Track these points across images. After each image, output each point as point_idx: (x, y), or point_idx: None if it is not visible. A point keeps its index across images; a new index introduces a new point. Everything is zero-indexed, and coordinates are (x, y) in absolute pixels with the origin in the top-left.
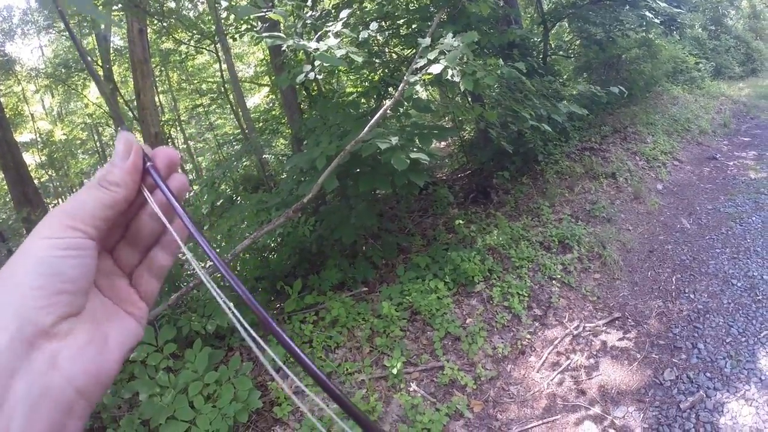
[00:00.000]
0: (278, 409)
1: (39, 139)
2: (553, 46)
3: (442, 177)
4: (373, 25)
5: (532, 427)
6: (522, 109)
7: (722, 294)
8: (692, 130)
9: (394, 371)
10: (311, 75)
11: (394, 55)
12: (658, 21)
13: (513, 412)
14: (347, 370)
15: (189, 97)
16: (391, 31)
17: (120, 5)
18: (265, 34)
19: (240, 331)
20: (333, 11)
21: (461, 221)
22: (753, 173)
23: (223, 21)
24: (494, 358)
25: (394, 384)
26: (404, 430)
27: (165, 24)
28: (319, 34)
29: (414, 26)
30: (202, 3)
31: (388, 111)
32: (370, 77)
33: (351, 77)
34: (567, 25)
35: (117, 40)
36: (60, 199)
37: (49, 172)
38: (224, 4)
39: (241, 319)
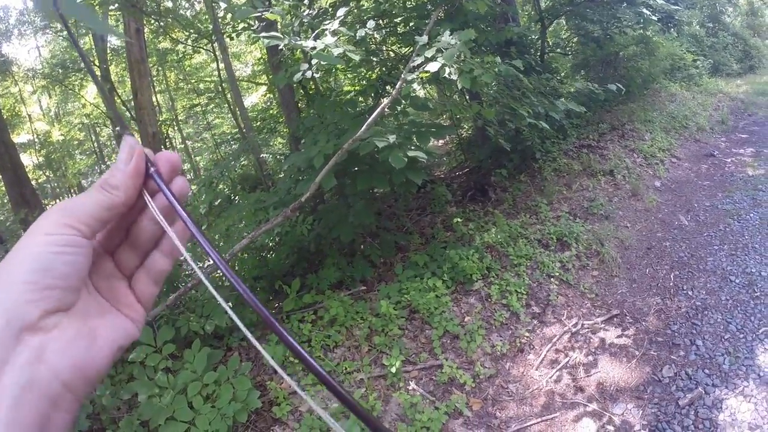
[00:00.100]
0: (277, 408)
1: (36, 140)
2: (550, 43)
3: (440, 175)
4: (371, 23)
5: (531, 424)
6: (520, 106)
7: (720, 291)
8: (690, 128)
9: (393, 370)
10: (308, 73)
11: (391, 53)
12: (655, 18)
13: (512, 410)
14: (346, 369)
15: (186, 96)
16: (388, 29)
17: (117, 5)
18: (262, 34)
19: (244, 331)
20: (330, 9)
21: (459, 219)
22: (751, 170)
23: (220, 20)
24: (493, 356)
25: (393, 383)
26: (403, 429)
27: (162, 23)
28: (316, 32)
29: (411, 24)
30: (199, 2)
31: (386, 109)
32: (367, 75)
33: (348, 76)
34: (564, 22)
35: (114, 39)
36: (58, 200)
37: (47, 173)
38: (223, 5)
39: (237, 320)
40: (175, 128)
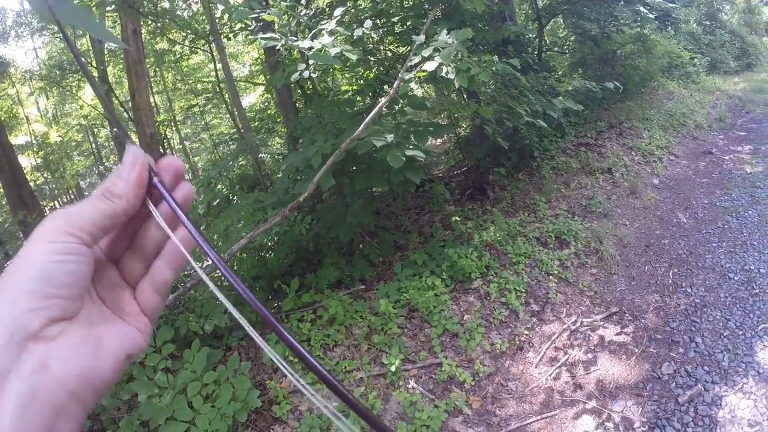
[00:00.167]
0: (277, 407)
1: (34, 142)
2: (548, 42)
3: (438, 174)
4: (368, 23)
5: (531, 422)
6: (517, 105)
7: (719, 288)
8: (688, 125)
9: (393, 368)
10: (306, 73)
11: (388, 52)
12: (652, 16)
13: (511, 408)
14: (345, 368)
15: (184, 97)
16: (385, 29)
17: (113, 6)
18: (259, 35)
19: (247, 329)
20: (327, 9)
21: (458, 218)
22: (749, 167)
23: (217, 20)
24: (492, 354)
25: (393, 381)
26: (403, 427)
27: (159, 24)
28: (313, 32)
29: (408, 24)
30: (196, 3)
31: (384, 108)
32: (365, 75)
33: (346, 75)
34: (562, 21)
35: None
36: (56, 202)
37: (45, 175)
38: (220, 6)
39: (239, 316)
40: (173, 129)
